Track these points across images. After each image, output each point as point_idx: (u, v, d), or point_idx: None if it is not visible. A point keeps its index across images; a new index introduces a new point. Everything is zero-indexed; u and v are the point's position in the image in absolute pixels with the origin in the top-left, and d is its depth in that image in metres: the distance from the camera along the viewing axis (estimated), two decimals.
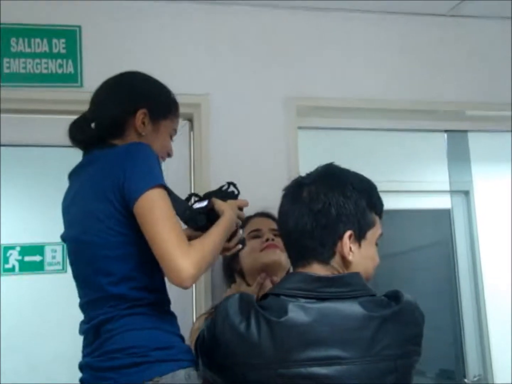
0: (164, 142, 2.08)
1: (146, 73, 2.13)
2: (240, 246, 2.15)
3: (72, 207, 2.01)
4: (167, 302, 1.94)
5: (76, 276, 1.99)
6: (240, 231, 2.15)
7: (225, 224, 1.95)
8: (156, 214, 1.77)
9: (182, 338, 1.94)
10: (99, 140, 2.00)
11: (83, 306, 1.96)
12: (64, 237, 2.03)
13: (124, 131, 2.01)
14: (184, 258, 1.72)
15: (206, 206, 2.05)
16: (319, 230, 1.78)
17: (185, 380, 1.80)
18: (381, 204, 1.87)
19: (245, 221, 2.46)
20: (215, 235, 1.90)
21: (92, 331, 1.90)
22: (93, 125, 2.04)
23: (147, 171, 1.83)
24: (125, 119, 2.01)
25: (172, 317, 1.94)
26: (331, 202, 1.78)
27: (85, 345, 1.94)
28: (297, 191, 1.84)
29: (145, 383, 1.77)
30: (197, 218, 2.03)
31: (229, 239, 2.08)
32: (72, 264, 2.01)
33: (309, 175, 1.88)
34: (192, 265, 1.72)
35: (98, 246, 1.89)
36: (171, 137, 2.13)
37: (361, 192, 1.83)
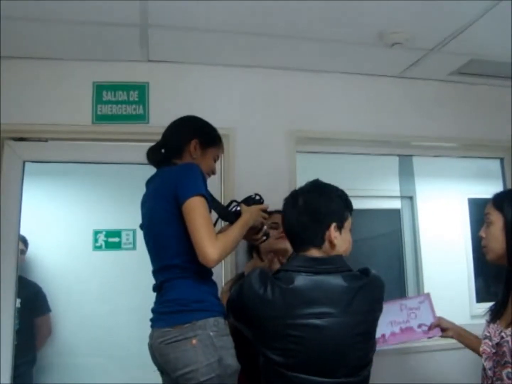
0: (209, 163, 2.10)
1: (200, 116, 2.17)
2: (264, 238, 2.16)
3: (145, 204, 2.05)
4: (209, 272, 1.93)
5: (149, 252, 2.01)
6: (265, 227, 2.14)
7: (242, 223, 1.97)
8: (195, 214, 1.81)
9: (216, 297, 1.94)
10: (166, 160, 2.04)
11: (154, 272, 1.99)
12: (141, 226, 2.07)
13: (182, 154, 2.04)
14: (211, 246, 1.77)
15: (238, 210, 2.06)
16: (313, 225, 1.83)
17: (213, 325, 1.81)
18: (352, 204, 1.90)
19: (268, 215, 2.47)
20: (235, 230, 1.93)
21: (157, 288, 1.94)
22: (163, 150, 2.08)
23: (193, 183, 1.86)
24: (183, 146, 2.04)
25: (210, 282, 1.95)
26: (321, 204, 1.83)
27: (156, 297, 1.96)
28: (295, 199, 1.88)
29: (185, 324, 1.79)
30: (229, 217, 2.05)
31: (257, 233, 2.11)
32: (147, 244, 2.03)
33: (301, 188, 1.93)
34: (216, 252, 1.77)
35: (161, 231, 1.93)
36: (214, 161, 2.14)
37: (340, 197, 1.88)
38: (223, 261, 2.76)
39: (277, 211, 2.20)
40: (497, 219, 1.90)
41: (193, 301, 1.84)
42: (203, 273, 1.89)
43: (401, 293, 4.06)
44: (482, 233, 1.98)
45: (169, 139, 2.10)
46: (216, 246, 1.78)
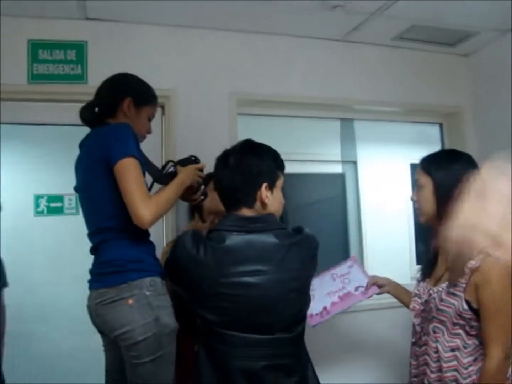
0: (144, 122, 2.06)
1: (134, 74, 2.10)
2: (202, 197, 2.15)
3: (78, 167, 2.00)
4: (145, 232, 1.91)
5: (84, 215, 1.98)
6: (202, 187, 2.13)
7: (177, 182, 1.95)
8: (127, 176, 1.77)
9: (153, 256, 1.93)
10: (99, 119, 1.99)
11: (89, 235, 1.96)
12: (75, 188, 2.04)
13: (116, 113, 1.99)
14: (144, 208, 1.74)
15: (174, 170, 2.03)
16: (245, 185, 1.82)
17: (150, 285, 1.81)
18: (283, 164, 1.91)
19: (209, 178, 2.46)
20: (169, 190, 1.91)
21: (94, 250, 1.93)
22: (96, 109, 2.02)
23: (124, 144, 1.82)
24: (117, 105, 1.99)
25: (148, 243, 1.94)
26: (252, 164, 1.82)
27: (93, 260, 1.95)
28: (226, 158, 1.86)
29: (121, 285, 1.79)
30: (162, 179, 2.02)
31: (195, 192, 2.10)
32: (81, 206, 1.99)
33: (233, 148, 1.90)
34: (149, 213, 1.74)
35: (94, 194, 1.90)
36: (149, 120, 2.09)
37: (271, 156, 1.88)
38: (163, 222, 2.77)
39: None
40: (426, 183, 1.95)
41: (129, 261, 1.83)
42: (139, 233, 1.87)
43: (345, 256, 4.16)
44: (414, 197, 2.03)
45: (102, 97, 2.04)
46: (149, 207, 1.75)
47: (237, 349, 1.72)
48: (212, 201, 2.39)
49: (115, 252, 1.86)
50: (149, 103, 2.08)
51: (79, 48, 2.80)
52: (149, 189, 1.96)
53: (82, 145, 2.03)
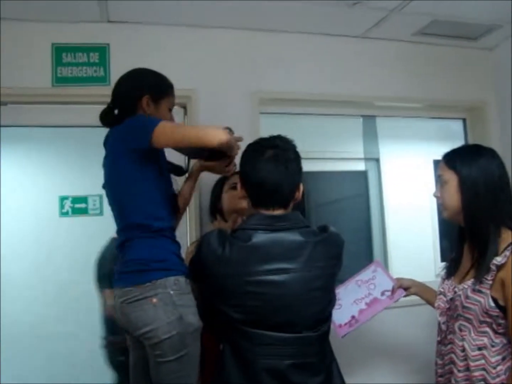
0: (165, 115, 2.05)
1: (147, 67, 2.10)
2: (235, 168, 2.16)
3: (105, 164, 2.01)
4: (170, 230, 1.93)
5: (112, 211, 1.99)
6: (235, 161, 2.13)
7: (203, 127, 2.05)
8: (169, 135, 1.83)
9: (177, 255, 1.93)
10: (120, 121, 1.99)
11: (117, 232, 1.97)
12: (103, 185, 2.03)
13: (135, 112, 1.99)
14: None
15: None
16: (290, 182, 1.82)
17: (173, 284, 1.82)
18: None
19: (225, 178, 2.47)
20: (192, 128, 2.04)
21: (120, 247, 1.93)
22: (116, 111, 2.04)
23: (145, 122, 1.87)
24: (136, 105, 2.00)
25: (172, 242, 1.94)
26: (295, 161, 1.84)
27: (119, 257, 1.96)
28: (265, 153, 1.82)
29: (146, 283, 1.80)
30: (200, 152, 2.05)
31: (229, 164, 2.11)
32: (109, 204, 2.01)
33: (270, 142, 1.87)
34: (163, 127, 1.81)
35: (119, 190, 1.93)
36: (170, 110, 2.09)
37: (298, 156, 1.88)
38: (187, 223, 2.78)
39: (237, 172, 2.21)
40: (451, 178, 1.92)
41: (153, 261, 1.84)
42: (164, 231, 1.89)
43: (369, 255, 4.14)
44: (437, 193, 2.01)
45: (120, 99, 2.05)
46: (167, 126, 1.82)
47: (263, 348, 1.73)
48: (230, 199, 2.41)
49: (140, 251, 1.87)
50: (166, 95, 2.08)
51: (102, 50, 2.83)
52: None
53: (106, 142, 2.05)
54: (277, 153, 1.81)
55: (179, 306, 1.80)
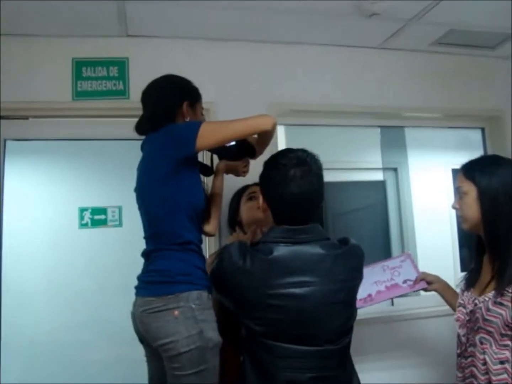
0: (200, 118, 2.09)
1: (175, 74, 2.13)
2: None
3: (139, 167, 2.03)
4: (198, 242, 1.94)
5: (141, 216, 2.01)
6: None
7: (249, 117, 1.95)
8: (215, 133, 1.90)
9: (202, 270, 1.93)
10: (155, 127, 1.98)
11: (145, 238, 1.99)
12: (135, 188, 2.04)
13: (175, 118, 2.01)
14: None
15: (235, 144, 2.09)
16: (311, 198, 1.82)
17: (196, 298, 1.82)
18: None
19: (244, 190, 2.48)
20: (233, 122, 1.95)
21: (146, 255, 1.95)
22: (153, 120, 2.02)
23: (187, 125, 1.95)
24: (175, 112, 2.02)
25: (198, 255, 1.94)
26: (315, 176, 1.83)
27: (143, 265, 1.97)
28: (286, 168, 1.81)
29: (169, 295, 1.81)
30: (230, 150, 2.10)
31: (246, 165, 2.18)
32: (139, 209, 2.02)
33: (296, 155, 1.85)
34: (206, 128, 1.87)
35: (150, 197, 1.94)
36: (202, 114, 2.14)
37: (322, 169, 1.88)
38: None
39: (255, 184, 2.22)
40: (470, 189, 1.92)
41: (178, 274, 1.85)
42: (192, 244, 1.90)
43: None
44: (456, 205, 2.00)
45: (159, 107, 2.03)
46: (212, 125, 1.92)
47: (284, 360, 1.73)
48: (249, 210, 2.42)
49: (166, 262, 1.88)
50: (199, 99, 2.13)
51: (121, 64, 2.87)
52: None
53: (143, 147, 2.05)
54: (301, 168, 1.80)
55: (200, 321, 1.80)
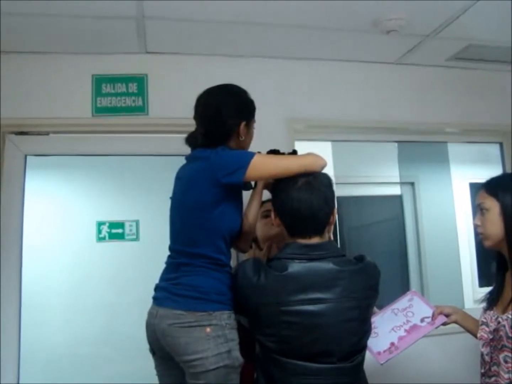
0: (252, 134, 2.08)
1: (235, 85, 2.08)
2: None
3: (182, 179, 2.02)
4: (229, 266, 1.94)
5: (172, 225, 2.00)
6: None
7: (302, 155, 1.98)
8: (268, 166, 1.91)
9: (232, 291, 1.91)
10: (208, 142, 1.97)
11: (172, 249, 1.98)
12: (171, 197, 2.03)
13: (230, 135, 1.99)
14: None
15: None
16: (324, 209, 1.83)
17: (227, 318, 1.83)
18: None
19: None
20: (285, 158, 1.99)
21: (174, 266, 1.93)
22: (201, 137, 2.00)
23: (239, 155, 1.92)
24: (232, 131, 1.99)
25: (230, 275, 1.92)
26: (324, 187, 1.85)
27: (165, 273, 1.96)
28: (296, 181, 1.84)
29: (201, 312, 1.80)
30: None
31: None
32: (171, 217, 2.01)
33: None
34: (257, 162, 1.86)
35: (192, 216, 1.92)
36: (253, 127, 2.11)
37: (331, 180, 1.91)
38: None
39: (269, 200, 2.22)
40: (492, 206, 1.90)
41: (213, 292, 1.84)
42: (226, 267, 1.91)
43: (405, 279, 4.09)
44: (477, 221, 1.97)
45: (215, 129, 1.98)
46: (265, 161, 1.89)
47: (297, 378, 1.73)
48: (263, 227, 2.42)
49: (200, 279, 1.86)
50: (254, 116, 2.08)
51: (140, 81, 2.90)
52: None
53: (190, 159, 2.03)
54: (310, 180, 1.83)
55: (230, 340, 1.80)
